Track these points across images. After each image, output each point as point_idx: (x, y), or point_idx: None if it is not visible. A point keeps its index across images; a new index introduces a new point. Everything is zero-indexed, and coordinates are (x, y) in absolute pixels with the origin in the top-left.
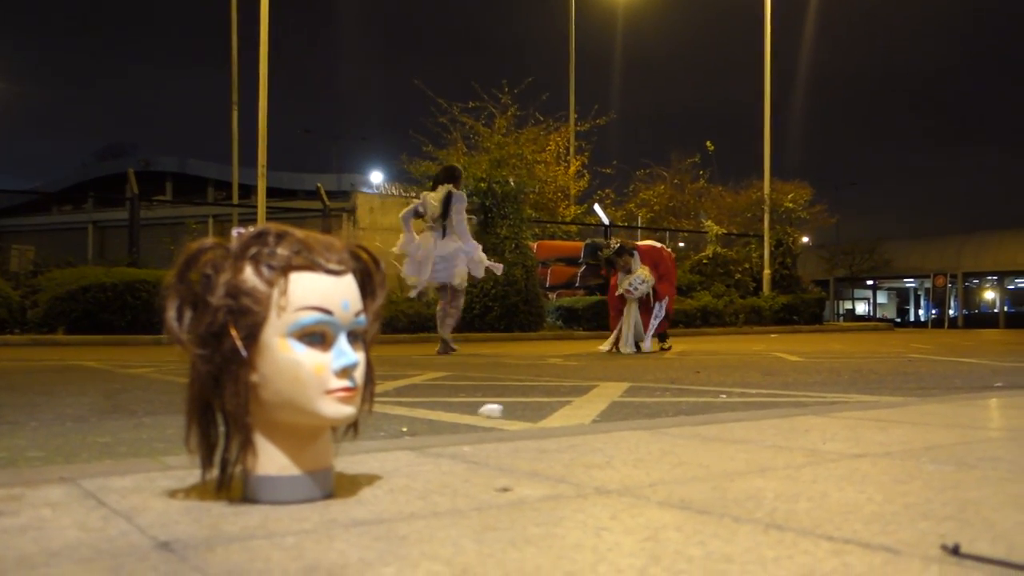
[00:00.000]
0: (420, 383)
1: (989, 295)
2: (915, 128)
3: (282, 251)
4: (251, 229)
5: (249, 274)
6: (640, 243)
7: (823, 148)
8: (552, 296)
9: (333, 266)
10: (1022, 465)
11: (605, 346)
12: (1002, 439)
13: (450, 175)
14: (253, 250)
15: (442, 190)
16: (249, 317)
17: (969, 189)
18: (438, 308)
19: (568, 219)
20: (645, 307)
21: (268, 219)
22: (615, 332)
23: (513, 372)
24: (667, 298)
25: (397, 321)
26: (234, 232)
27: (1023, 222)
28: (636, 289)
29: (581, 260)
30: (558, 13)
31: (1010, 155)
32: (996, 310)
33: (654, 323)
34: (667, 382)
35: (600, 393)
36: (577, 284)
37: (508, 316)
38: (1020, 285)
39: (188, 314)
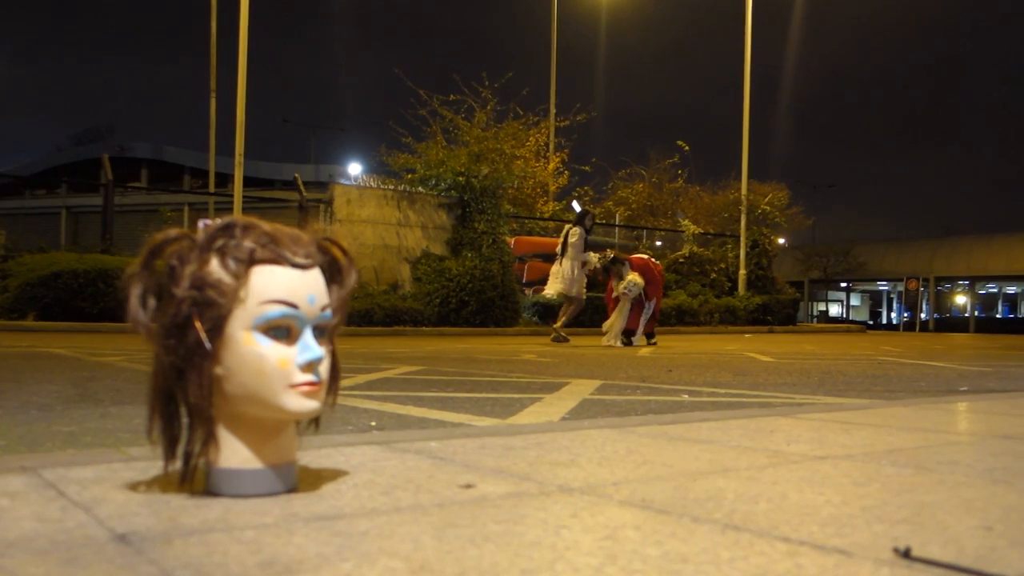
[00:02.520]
0: (393, 377)
1: (960, 299)
2: (891, 132)
3: (248, 244)
4: (218, 221)
5: (215, 266)
6: (632, 256)
7: (801, 150)
8: (528, 292)
9: (300, 260)
10: (979, 469)
11: (607, 340)
12: (962, 443)
13: (578, 217)
14: (219, 242)
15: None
16: (214, 309)
17: (943, 194)
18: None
19: (546, 215)
20: (637, 306)
21: (245, 208)
22: (612, 325)
23: (486, 367)
24: (655, 299)
25: (373, 314)
26: (200, 224)
27: (994, 228)
28: (630, 291)
29: (558, 256)
30: (541, 9)
31: (985, 160)
32: (967, 314)
33: (644, 319)
34: (639, 380)
35: (571, 390)
36: None
37: (484, 311)
38: (991, 290)
39: (152, 303)
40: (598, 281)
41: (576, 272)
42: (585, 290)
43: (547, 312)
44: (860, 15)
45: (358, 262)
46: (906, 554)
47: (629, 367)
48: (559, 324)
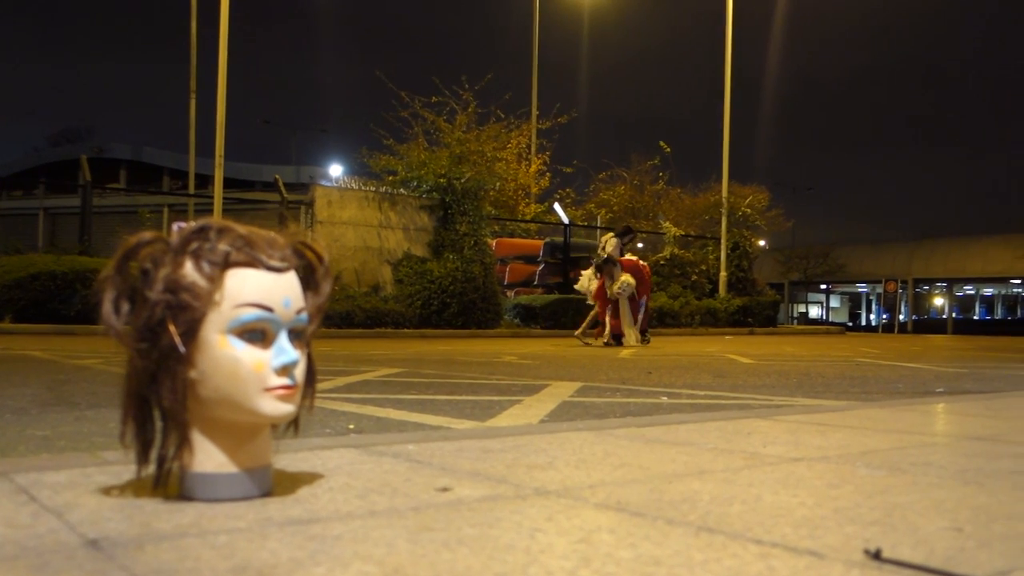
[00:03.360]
0: (373, 379)
1: (938, 301)
2: (869, 134)
3: (223, 247)
4: (192, 224)
5: (189, 269)
6: (623, 258)
7: (781, 153)
8: (510, 294)
9: (275, 263)
10: (951, 471)
11: (603, 340)
12: (936, 444)
13: (623, 231)
14: (194, 245)
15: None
16: (188, 313)
17: (921, 196)
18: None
19: (528, 217)
20: (632, 303)
21: (225, 210)
22: (607, 325)
23: (467, 369)
24: (646, 296)
25: (354, 316)
26: (175, 227)
27: (971, 231)
28: (624, 291)
29: (540, 259)
30: (523, 13)
31: (961, 163)
32: (945, 316)
33: (640, 317)
34: (618, 382)
35: (551, 393)
36: (536, 282)
37: (466, 313)
38: (968, 292)
39: (125, 307)
40: (564, 275)
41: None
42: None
43: (529, 315)
44: (840, 18)
45: (339, 264)
46: (877, 555)
47: (610, 369)
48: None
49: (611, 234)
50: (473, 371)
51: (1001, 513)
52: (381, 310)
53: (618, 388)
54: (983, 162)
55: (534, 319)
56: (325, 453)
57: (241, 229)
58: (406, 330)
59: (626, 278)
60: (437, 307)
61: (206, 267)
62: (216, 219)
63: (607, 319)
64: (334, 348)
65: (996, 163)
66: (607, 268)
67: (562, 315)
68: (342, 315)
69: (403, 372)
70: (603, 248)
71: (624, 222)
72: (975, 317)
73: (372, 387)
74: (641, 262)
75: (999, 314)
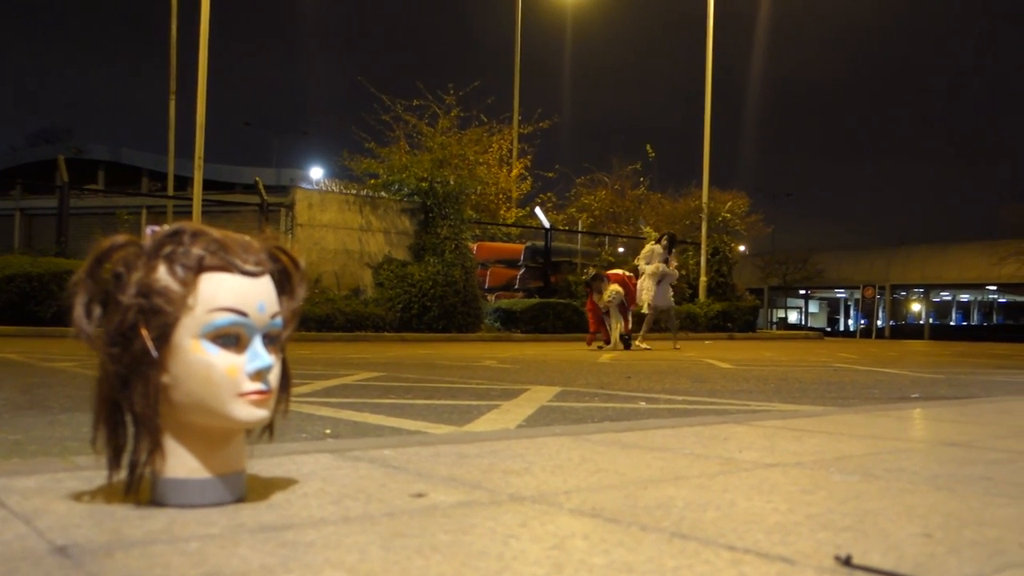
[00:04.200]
0: (351, 383)
1: (915, 307)
2: (848, 141)
3: (197, 251)
4: (166, 227)
5: (162, 273)
6: (609, 272)
7: (761, 159)
8: (491, 298)
9: (250, 267)
10: (924, 476)
11: (595, 344)
12: (909, 450)
13: (667, 238)
14: (167, 249)
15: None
16: (161, 317)
17: (898, 203)
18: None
19: (509, 221)
20: (620, 311)
21: (204, 212)
22: (595, 332)
23: (446, 373)
24: (631, 305)
25: (334, 319)
26: (148, 230)
27: (948, 237)
28: (614, 299)
29: (521, 263)
30: (506, 18)
31: (938, 170)
32: (922, 321)
33: (627, 324)
34: (597, 387)
35: (530, 397)
36: (516, 286)
37: (446, 317)
38: (945, 298)
39: (97, 311)
40: (583, 294)
41: (650, 284)
42: (664, 299)
43: (510, 319)
44: (820, 25)
45: (319, 267)
46: (847, 562)
47: (589, 374)
48: (642, 332)
49: (652, 242)
50: (452, 375)
51: (971, 519)
52: (361, 313)
53: (597, 393)
54: (960, 170)
55: (515, 323)
56: (300, 458)
57: (215, 233)
58: (386, 334)
59: (614, 287)
60: (418, 311)
61: (180, 271)
62: (190, 223)
63: (603, 327)
64: (313, 351)
65: (973, 171)
66: (596, 283)
67: (542, 319)
68: (322, 318)
69: (382, 376)
70: (642, 258)
71: (605, 227)
72: (952, 323)
73: (350, 391)
74: (628, 274)
75: (975, 320)
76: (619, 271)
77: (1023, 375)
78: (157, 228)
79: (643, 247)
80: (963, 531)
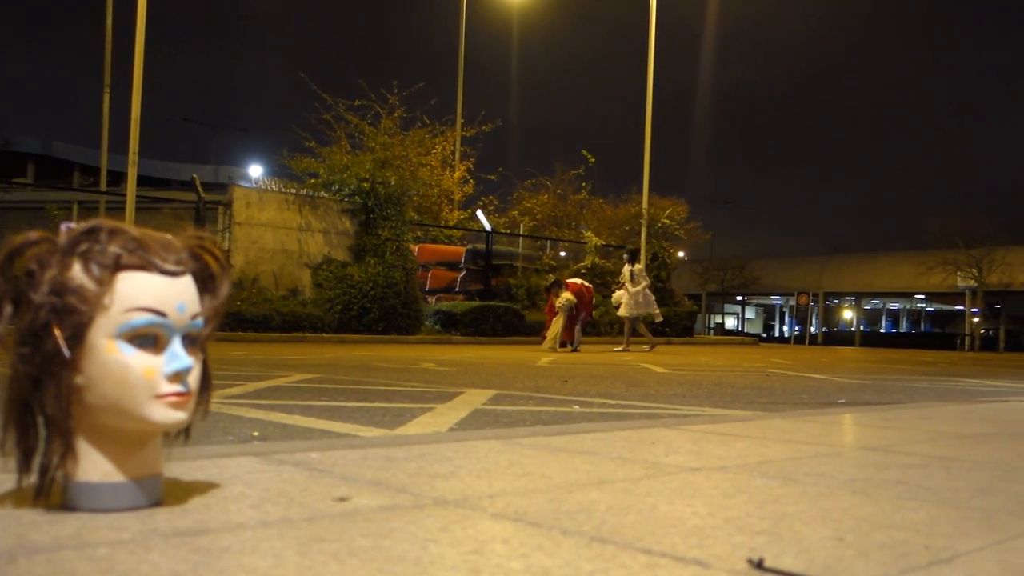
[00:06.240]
0: (284, 385)
1: (847, 314)
2: (783, 151)
3: (114, 249)
4: (82, 224)
5: (77, 271)
6: (569, 280)
7: (700, 167)
8: (432, 300)
9: (169, 266)
10: (841, 480)
11: (547, 345)
12: (830, 455)
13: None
14: (83, 246)
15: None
16: (75, 316)
17: (831, 212)
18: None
19: (451, 223)
20: (571, 320)
21: (138, 209)
22: (551, 333)
23: (383, 376)
24: (584, 312)
25: (271, 320)
26: (63, 227)
27: (878, 247)
28: (564, 306)
29: (462, 265)
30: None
31: (869, 181)
32: (853, 329)
33: (578, 328)
34: (533, 390)
35: (465, 400)
36: (457, 289)
37: (386, 318)
38: (875, 305)
39: (8, 309)
40: (542, 299)
41: (629, 297)
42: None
43: (450, 321)
44: (759, 36)
45: (257, 266)
46: (759, 565)
47: (526, 377)
48: (647, 339)
49: (626, 262)
50: (389, 377)
51: (882, 522)
52: (299, 314)
53: (532, 396)
54: (891, 180)
55: (455, 326)
56: (224, 461)
57: (134, 231)
58: (325, 335)
59: (567, 295)
60: (357, 312)
61: (95, 269)
62: (108, 220)
63: (559, 329)
64: (249, 352)
65: (903, 181)
66: (555, 289)
67: (483, 322)
68: (259, 319)
69: (317, 378)
70: (623, 277)
71: (547, 230)
72: (882, 330)
73: (283, 393)
74: (586, 284)
75: (904, 327)
76: (578, 280)
77: (944, 381)
78: (73, 225)
79: (584, 255)
80: (873, 534)
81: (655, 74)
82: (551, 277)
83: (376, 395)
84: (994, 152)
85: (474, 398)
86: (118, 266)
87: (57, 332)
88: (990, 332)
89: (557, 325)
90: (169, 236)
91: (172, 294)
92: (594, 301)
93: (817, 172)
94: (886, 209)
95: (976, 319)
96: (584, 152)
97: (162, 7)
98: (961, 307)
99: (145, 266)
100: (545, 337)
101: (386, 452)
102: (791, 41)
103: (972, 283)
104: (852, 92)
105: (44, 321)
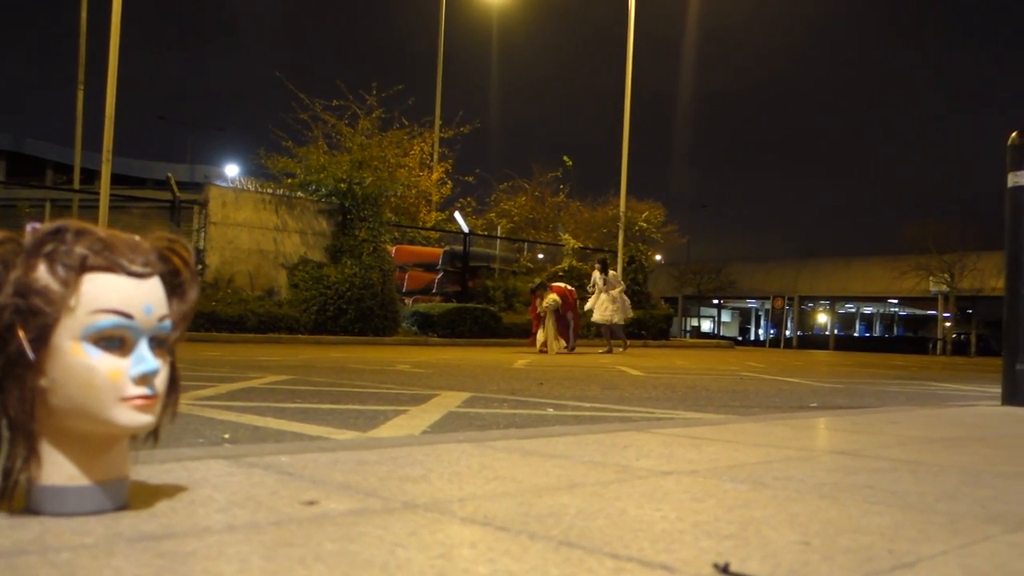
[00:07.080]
0: (258, 387)
1: (822, 318)
2: (765, 155)
3: (80, 250)
4: (48, 224)
5: (42, 272)
6: (553, 284)
7: (678, 170)
8: (409, 301)
9: (136, 268)
10: (810, 484)
11: (555, 349)
12: (800, 459)
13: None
14: (48, 247)
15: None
16: (39, 318)
17: (806, 217)
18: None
19: (429, 225)
20: (561, 322)
21: (112, 207)
22: (538, 336)
23: (358, 377)
24: (570, 313)
25: (247, 321)
26: (28, 227)
27: (853, 251)
28: (549, 307)
29: (439, 267)
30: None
31: (844, 186)
32: (827, 332)
33: (568, 331)
34: (508, 393)
35: (439, 403)
36: (434, 290)
37: (363, 319)
38: (849, 310)
39: None
40: (520, 300)
41: (603, 301)
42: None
43: (427, 323)
44: (734, 40)
45: (233, 267)
46: (725, 569)
47: (502, 379)
48: (621, 341)
49: (597, 271)
50: (364, 379)
51: (849, 527)
52: (275, 315)
53: (507, 399)
54: (867, 184)
55: (432, 327)
56: (193, 464)
57: (101, 232)
58: (301, 336)
59: (553, 297)
60: (333, 313)
61: (61, 271)
62: (74, 220)
63: (555, 331)
64: (223, 353)
65: (879, 186)
66: (539, 292)
67: (459, 324)
68: (234, 319)
69: (291, 379)
70: (593, 284)
71: (525, 233)
72: (855, 334)
73: (256, 394)
74: (569, 287)
75: (877, 331)
76: (562, 284)
77: (916, 385)
78: (38, 225)
79: (561, 257)
80: (839, 538)
81: (633, 77)
82: (537, 279)
83: (350, 397)
84: (968, 159)
85: (448, 400)
86: (84, 267)
87: (21, 334)
88: (962, 336)
89: (550, 328)
90: (137, 237)
91: (139, 296)
92: (577, 305)
93: (793, 176)
94: (861, 214)
95: (948, 324)
96: (565, 158)
97: (138, 3)
98: (933, 312)
99: (111, 267)
100: (535, 340)
101: (357, 455)
102: (768, 46)
103: (944, 288)
104: (829, 97)
105: (8, 323)
